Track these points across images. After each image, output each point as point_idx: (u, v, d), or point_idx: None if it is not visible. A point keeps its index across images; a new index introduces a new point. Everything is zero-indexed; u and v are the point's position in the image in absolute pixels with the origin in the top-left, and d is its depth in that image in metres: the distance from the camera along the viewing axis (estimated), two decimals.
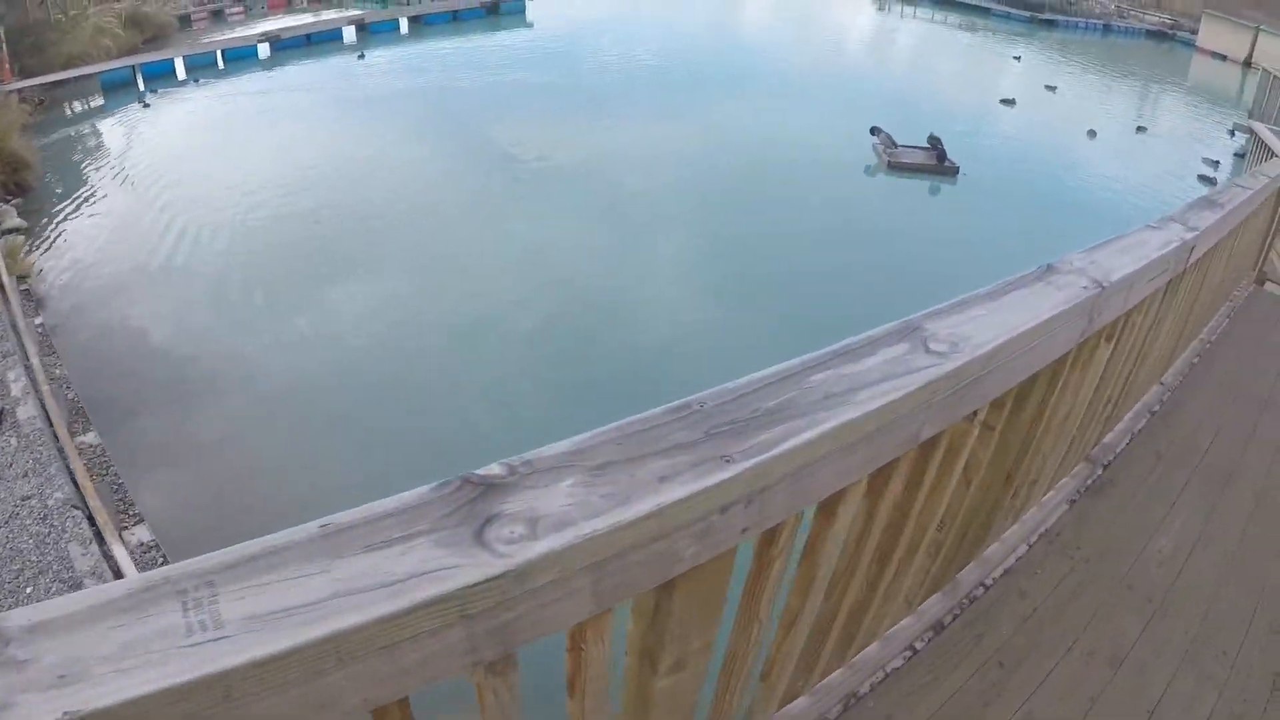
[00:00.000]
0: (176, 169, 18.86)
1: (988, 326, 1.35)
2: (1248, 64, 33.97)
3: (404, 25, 34.30)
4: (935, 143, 17.86)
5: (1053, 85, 28.56)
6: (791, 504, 1.12)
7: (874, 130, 18.29)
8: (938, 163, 17.50)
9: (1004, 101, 25.46)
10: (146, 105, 24.93)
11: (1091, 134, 21.90)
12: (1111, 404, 2.69)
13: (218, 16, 40.76)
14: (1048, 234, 14.60)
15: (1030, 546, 2.47)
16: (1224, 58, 36.11)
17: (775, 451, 0.99)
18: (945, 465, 1.63)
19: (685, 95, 24.75)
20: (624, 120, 21.73)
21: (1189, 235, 2.21)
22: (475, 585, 0.77)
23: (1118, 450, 2.98)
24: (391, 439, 9.07)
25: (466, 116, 22.88)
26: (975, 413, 1.53)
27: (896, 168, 17.51)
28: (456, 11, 35.04)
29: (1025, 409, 1.82)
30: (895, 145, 17.96)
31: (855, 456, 1.17)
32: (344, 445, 9.23)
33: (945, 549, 2.00)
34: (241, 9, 42.44)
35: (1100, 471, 2.84)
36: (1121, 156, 21.08)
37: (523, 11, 36.28)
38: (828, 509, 1.35)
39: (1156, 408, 3.38)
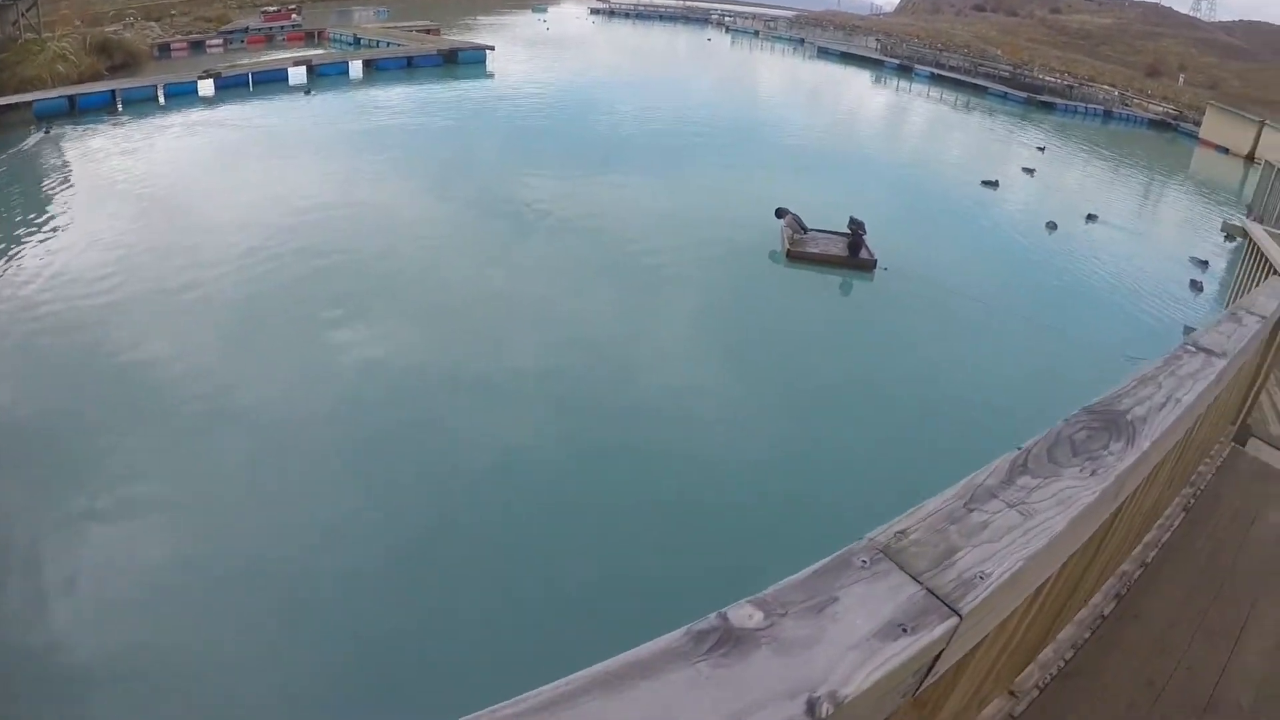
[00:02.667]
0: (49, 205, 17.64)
1: None
2: (1250, 158, 31.57)
3: (356, 69, 33.26)
4: (856, 228, 15.17)
5: (1030, 167, 26.14)
6: None
7: (779, 212, 15.56)
8: (849, 254, 14.74)
9: (986, 183, 22.99)
10: (47, 132, 24.14)
11: (1051, 226, 19.19)
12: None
13: (198, 48, 40.50)
14: (957, 362, 11.94)
15: None
16: (1226, 150, 33.79)
17: None
18: None
19: (632, 155, 22.97)
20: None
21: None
22: None
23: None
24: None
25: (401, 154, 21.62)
26: None
27: (798, 258, 14.78)
28: (411, 58, 33.68)
29: None
30: (804, 230, 15.31)
31: None
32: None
33: None
34: (222, 41, 42.21)
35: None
36: (1101, 253, 18.39)
37: (482, 62, 34.89)
38: None
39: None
